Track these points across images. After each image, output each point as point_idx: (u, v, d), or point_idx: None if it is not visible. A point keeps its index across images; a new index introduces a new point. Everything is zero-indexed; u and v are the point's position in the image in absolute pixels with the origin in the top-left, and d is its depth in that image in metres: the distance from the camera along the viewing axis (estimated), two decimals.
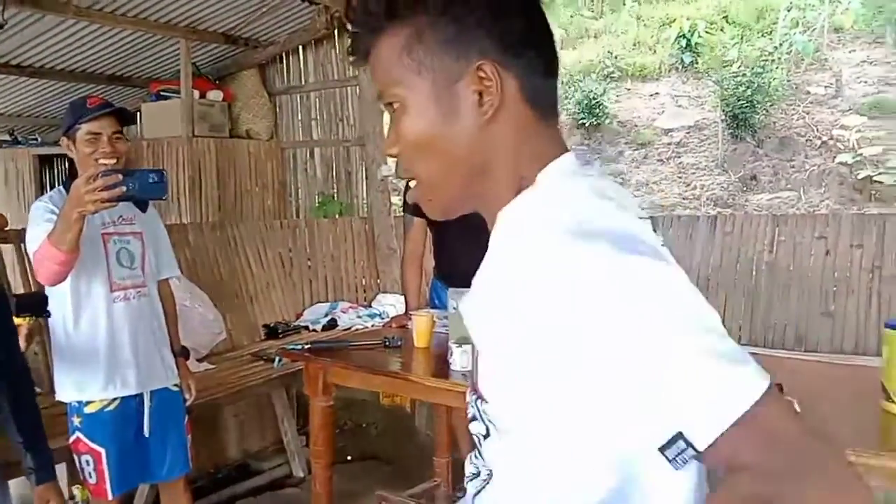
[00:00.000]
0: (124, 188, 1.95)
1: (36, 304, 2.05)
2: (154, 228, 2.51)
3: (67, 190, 2.29)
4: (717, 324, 0.70)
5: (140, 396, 2.37)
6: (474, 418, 0.87)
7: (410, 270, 3.26)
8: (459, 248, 3.30)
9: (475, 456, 0.89)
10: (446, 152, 0.80)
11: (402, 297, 4.88)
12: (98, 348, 2.29)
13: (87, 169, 2.24)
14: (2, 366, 1.64)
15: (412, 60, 0.78)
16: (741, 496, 0.67)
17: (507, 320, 0.74)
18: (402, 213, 6.11)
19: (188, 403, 2.61)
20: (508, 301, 0.74)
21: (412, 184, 0.85)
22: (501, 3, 0.79)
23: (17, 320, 1.93)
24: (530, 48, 0.80)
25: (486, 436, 0.85)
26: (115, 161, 2.28)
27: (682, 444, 0.65)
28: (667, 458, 0.66)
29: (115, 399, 2.31)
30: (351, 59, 0.86)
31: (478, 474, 0.87)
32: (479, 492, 0.87)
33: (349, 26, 0.85)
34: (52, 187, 5.45)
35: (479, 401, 0.85)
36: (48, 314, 2.12)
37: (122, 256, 2.36)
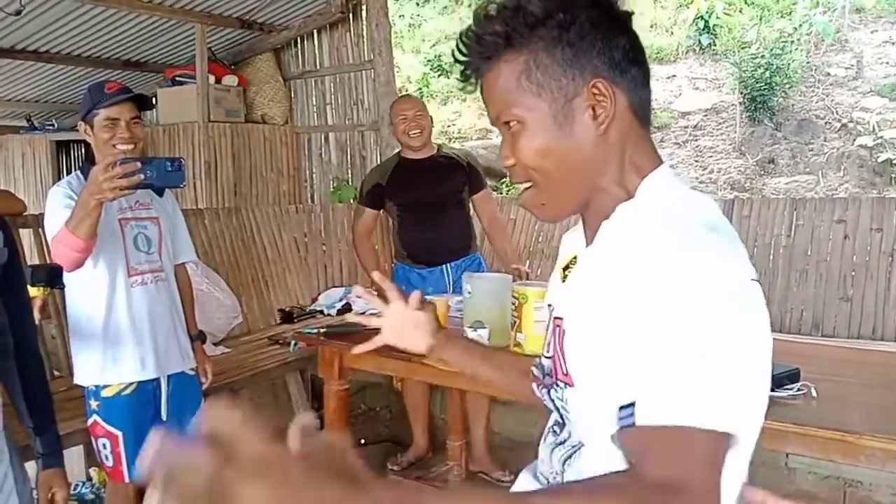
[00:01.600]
0: (142, 176, 1.96)
1: (50, 275, 2.05)
2: (171, 213, 2.52)
3: (85, 175, 2.31)
4: (744, 361, 0.78)
5: (157, 380, 2.39)
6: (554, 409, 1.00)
7: (365, 246, 3.58)
8: (423, 230, 3.40)
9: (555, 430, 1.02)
10: (565, 163, 0.89)
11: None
12: (116, 332, 2.31)
13: (105, 154, 2.25)
14: (15, 346, 1.64)
15: (531, 83, 0.87)
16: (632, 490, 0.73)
17: (619, 308, 0.80)
18: None
19: (205, 387, 2.63)
20: (622, 291, 0.80)
21: (522, 188, 0.95)
22: (608, 27, 0.88)
23: (31, 291, 1.92)
24: (634, 64, 0.89)
25: (563, 424, 0.98)
26: (132, 147, 2.28)
27: (630, 410, 0.75)
28: (618, 416, 0.77)
29: (132, 383, 2.33)
30: (461, 84, 0.95)
31: (562, 442, 0.98)
32: (569, 457, 0.96)
33: (459, 54, 0.92)
34: (69, 172, 5.49)
35: (555, 390, 0.97)
36: (63, 286, 2.12)
37: (140, 241, 2.37)
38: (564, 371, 0.93)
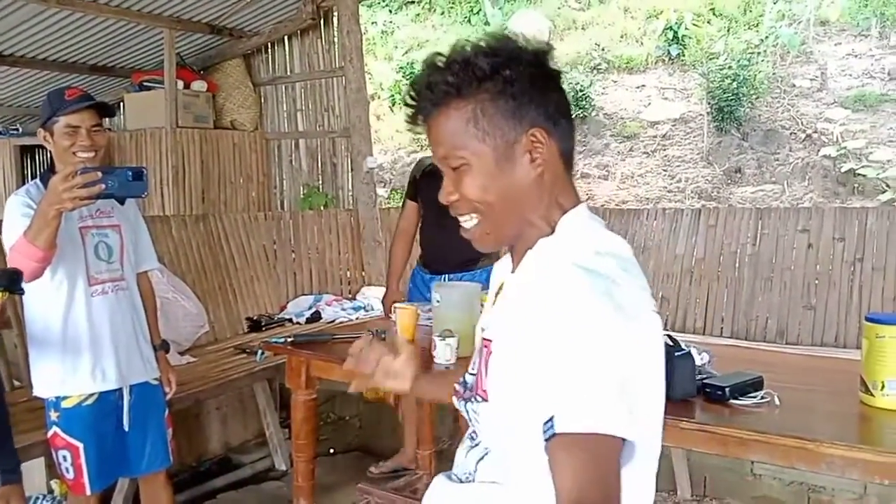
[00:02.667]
0: (103, 186, 1.92)
1: (10, 279, 1.99)
2: (132, 221, 2.48)
3: (45, 183, 2.26)
4: (632, 376, 0.91)
5: (119, 391, 2.35)
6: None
7: (399, 244, 3.53)
8: (434, 233, 3.40)
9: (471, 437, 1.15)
10: (505, 199, 1.01)
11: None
12: (76, 343, 2.26)
13: (65, 161, 2.22)
14: None
15: (477, 129, 0.99)
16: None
17: (528, 328, 0.94)
18: (386, 206, 6.11)
19: (168, 397, 2.59)
20: (531, 315, 0.94)
21: (464, 220, 1.07)
22: (545, 83, 1.01)
23: None
24: (564, 117, 1.03)
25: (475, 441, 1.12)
26: (93, 154, 2.25)
27: (550, 424, 0.88)
28: (543, 430, 0.89)
29: (93, 393, 2.29)
30: (408, 125, 1.06)
31: (476, 446, 1.12)
32: (481, 458, 1.10)
33: (409, 99, 1.03)
34: (34, 178, 5.38)
35: (471, 403, 1.10)
36: (22, 291, 2.07)
37: (101, 250, 2.33)
38: (483, 388, 1.06)
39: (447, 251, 3.32)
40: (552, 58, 1.03)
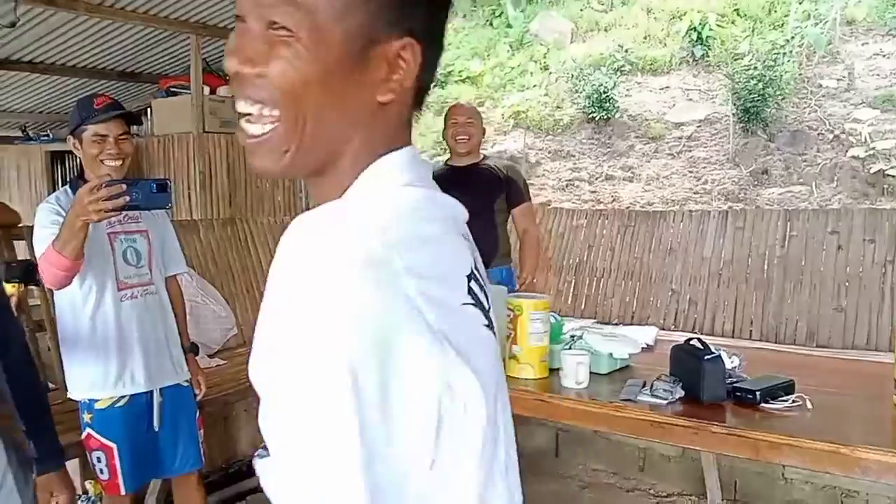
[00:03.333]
0: (127, 198, 1.97)
1: (25, 271, 2.03)
2: (160, 225, 2.52)
3: (74, 189, 2.32)
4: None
5: (150, 393, 2.38)
6: None
7: None
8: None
9: None
10: (324, 113, 0.67)
11: None
12: (107, 347, 2.30)
13: (93, 169, 2.27)
14: (1, 349, 1.60)
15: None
16: None
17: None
18: None
19: (198, 399, 2.62)
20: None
21: (251, 117, 0.68)
22: None
23: (7, 288, 1.90)
24: (439, 44, 0.74)
25: None
26: (120, 162, 2.30)
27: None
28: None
29: (124, 396, 2.33)
30: None
31: None
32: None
33: None
34: (63, 183, 5.48)
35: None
36: (38, 282, 2.10)
37: (129, 255, 2.37)
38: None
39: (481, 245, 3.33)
40: None
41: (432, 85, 0.75)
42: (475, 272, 0.74)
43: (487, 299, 0.75)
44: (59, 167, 6.94)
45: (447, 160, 3.59)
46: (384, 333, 0.56)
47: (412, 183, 0.69)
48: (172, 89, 5.86)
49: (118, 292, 2.32)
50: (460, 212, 0.76)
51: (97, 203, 1.93)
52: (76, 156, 2.37)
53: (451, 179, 3.43)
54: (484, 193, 3.43)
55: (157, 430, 2.42)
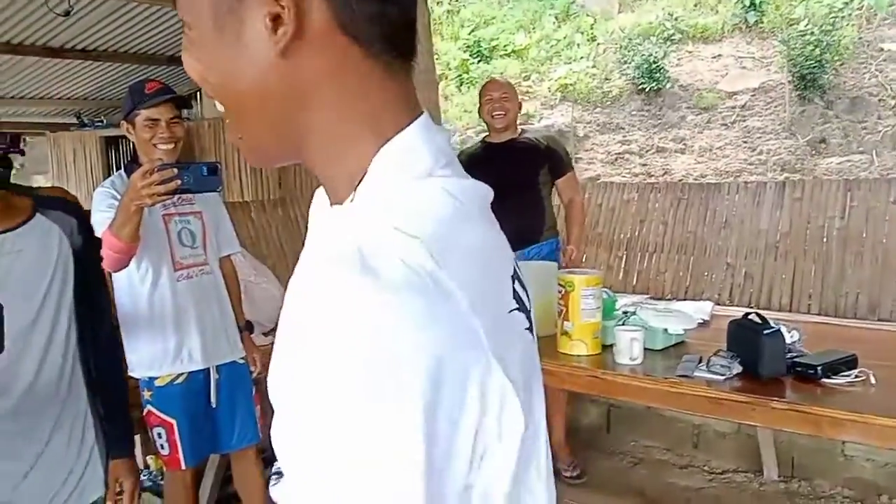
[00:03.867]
0: (179, 182, 2.00)
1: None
2: (213, 207, 2.56)
3: (128, 173, 2.37)
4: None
5: (207, 370, 2.44)
6: None
7: None
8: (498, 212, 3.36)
9: None
10: (235, 86, 0.59)
11: None
12: (165, 326, 2.36)
13: (147, 152, 2.32)
14: (93, 328, 1.62)
15: None
16: None
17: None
18: None
19: (254, 376, 2.67)
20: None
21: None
22: None
23: None
24: None
25: None
26: (172, 146, 2.35)
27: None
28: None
29: (182, 373, 2.38)
30: None
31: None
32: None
33: None
34: (118, 168, 5.61)
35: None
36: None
37: (184, 236, 2.41)
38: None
39: (503, 229, 3.30)
40: None
41: (405, 17, 0.58)
42: (516, 270, 0.67)
43: (528, 297, 0.68)
44: (113, 153, 7.10)
45: (485, 137, 3.55)
46: (451, 368, 0.49)
47: (433, 172, 0.58)
48: None
49: (174, 272, 2.38)
50: (487, 194, 0.66)
51: (150, 187, 1.97)
52: (130, 141, 2.42)
53: (490, 156, 3.40)
54: (527, 167, 3.39)
55: (214, 406, 2.48)
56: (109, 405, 1.68)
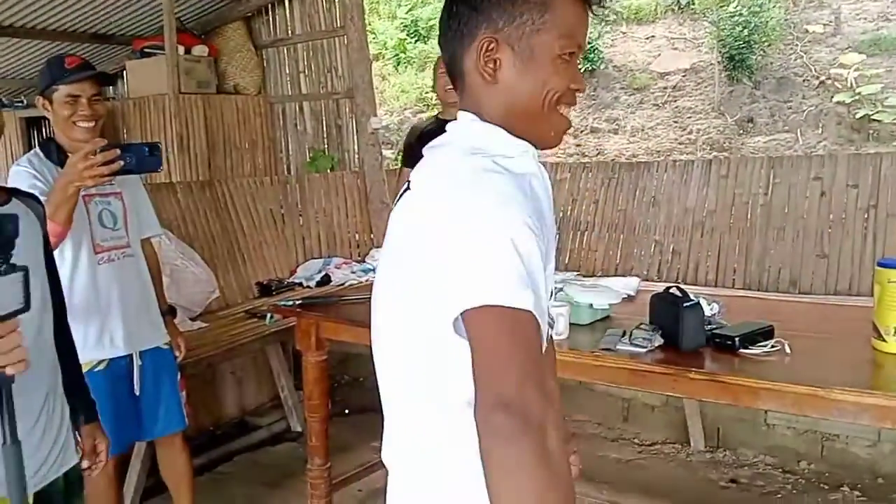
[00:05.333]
0: (122, 162, 1.95)
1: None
2: (133, 188, 2.48)
3: (45, 153, 2.27)
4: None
5: (129, 356, 2.37)
6: None
7: None
8: None
9: None
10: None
11: None
12: (85, 311, 2.28)
13: (66, 131, 2.24)
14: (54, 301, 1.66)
15: None
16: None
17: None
18: (394, 167, 6.09)
19: (178, 361, 2.61)
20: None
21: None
22: None
23: None
24: None
25: None
26: (93, 124, 2.27)
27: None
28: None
29: (103, 360, 2.31)
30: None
31: None
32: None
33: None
34: None
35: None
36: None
37: (105, 217, 2.33)
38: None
39: None
40: None
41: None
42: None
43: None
44: (35, 133, 6.82)
45: (438, 114, 3.50)
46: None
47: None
48: (146, 50, 5.72)
49: (95, 255, 2.30)
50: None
51: (93, 168, 1.91)
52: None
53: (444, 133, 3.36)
54: None
55: (138, 393, 2.41)
56: (74, 373, 1.75)
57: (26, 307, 1.22)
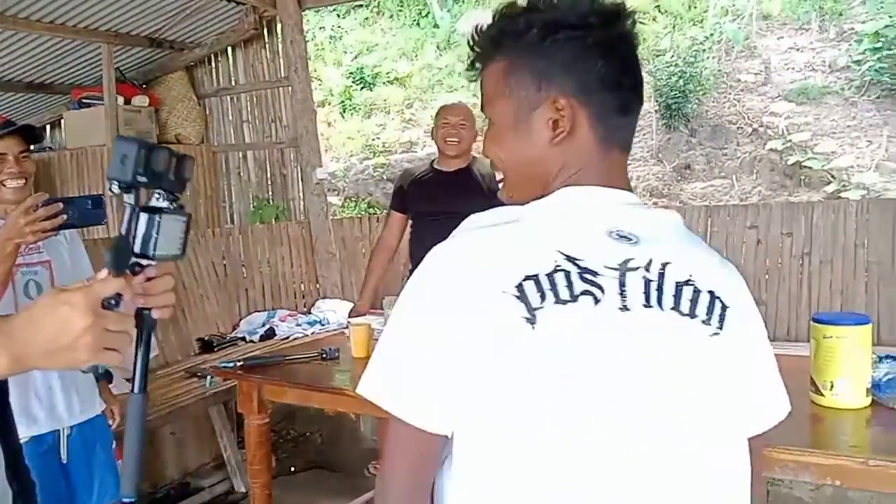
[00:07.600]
0: (65, 217, 1.89)
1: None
2: (65, 253, 2.38)
3: None
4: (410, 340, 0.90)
5: (56, 430, 2.25)
6: None
7: (379, 257, 3.41)
8: (425, 245, 3.26)
9: None
10: (518, 163, 0.99)
11: (343, 303, 4.82)
12: (5, 387, 2.16)
13: None
14: None
15: (505, 87, 0.96)
16: None
17: None
18: (338, 217, 6.05)
19: (114, 427, 2.50)
20: None
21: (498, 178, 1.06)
22: (585, 49, 0.92)
23: None
24: (607, 90, 0.94)
25: None
26: (23, 182, 2.17)
27: None
28: None
29: (26, 437, 2.19)
30: (469, 72, 1.03)
31: None
32: None
33: (469, 49, 1.02)
34: None
35: None
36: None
37: (30, 289, 2.23)
38: None
39: None
40: (614, 23, 0.93)
41: (628, 121, 1.00)
42: None
43: None
44: None
45: (433, 161, 3.37)
46: None
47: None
48: (84, 101, 5.62)
49: None
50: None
51: (34, 224, 1.84)
52: None
53: (436, 184, 3.28)
54: (465, 203, 3.24)
55: (65, 462, 2.29)
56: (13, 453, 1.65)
57: (182, 254, 1.14)
